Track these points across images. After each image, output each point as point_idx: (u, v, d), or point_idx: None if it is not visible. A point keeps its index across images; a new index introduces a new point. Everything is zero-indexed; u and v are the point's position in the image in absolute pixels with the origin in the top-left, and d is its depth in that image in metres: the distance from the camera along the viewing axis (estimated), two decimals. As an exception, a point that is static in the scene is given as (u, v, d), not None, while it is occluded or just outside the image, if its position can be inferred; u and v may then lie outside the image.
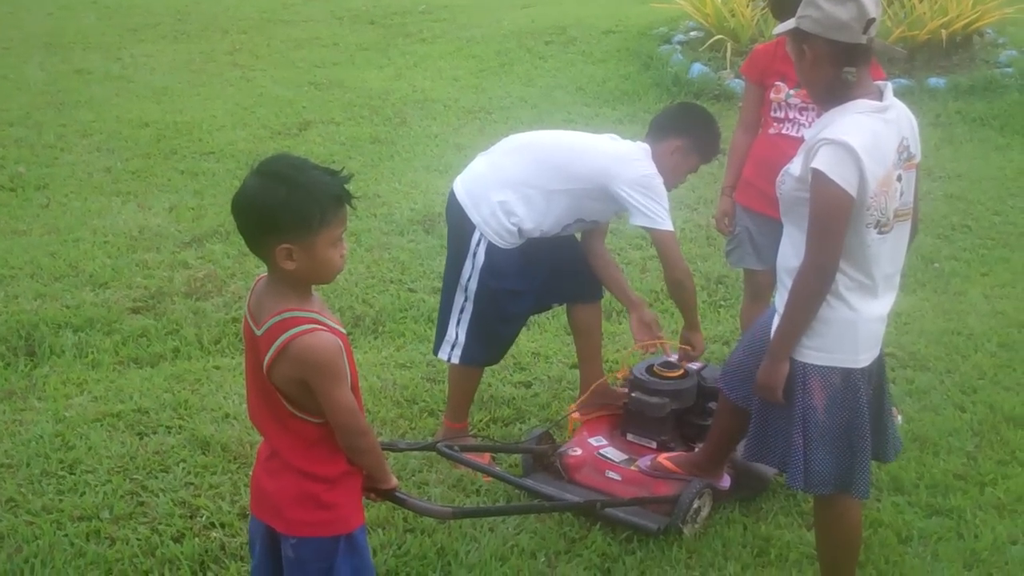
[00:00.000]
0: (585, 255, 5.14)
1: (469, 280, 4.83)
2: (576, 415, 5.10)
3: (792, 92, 5.08)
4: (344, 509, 3.18)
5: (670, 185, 4.90)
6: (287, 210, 2.91)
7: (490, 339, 4.97)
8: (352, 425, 3.08)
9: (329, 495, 3.14)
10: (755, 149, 5.27)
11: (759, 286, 5.40)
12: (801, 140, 4.78)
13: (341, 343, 3.04)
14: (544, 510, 4.54)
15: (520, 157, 4.87)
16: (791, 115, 5.10)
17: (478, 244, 4.78)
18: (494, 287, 4.81)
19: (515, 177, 4.78)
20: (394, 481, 3.34)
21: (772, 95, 5.15)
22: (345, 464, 3.16)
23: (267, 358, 2.99)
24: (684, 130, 4.92)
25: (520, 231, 4.77)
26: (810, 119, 4.97)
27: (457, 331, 4.91)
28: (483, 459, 4.87)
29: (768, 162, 4.78)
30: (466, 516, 4.42)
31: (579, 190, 4.77)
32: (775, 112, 5.17)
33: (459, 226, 4.87)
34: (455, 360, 4.94)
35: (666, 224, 4.75)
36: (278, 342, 2.96)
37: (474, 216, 4.79)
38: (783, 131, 5.12)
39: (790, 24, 3.63)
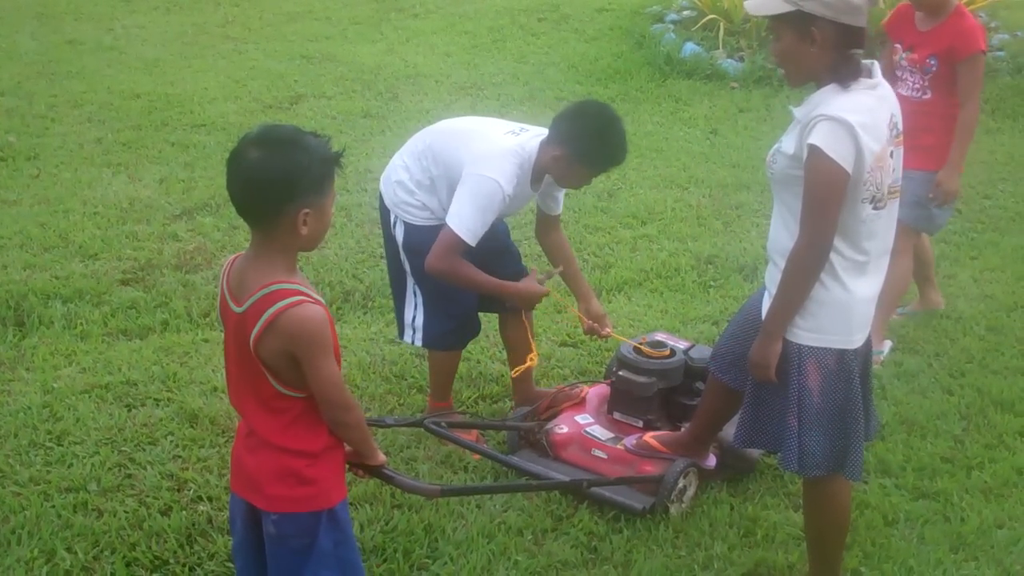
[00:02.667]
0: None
1: (403, 262, 4.86)
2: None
3: (904, 55, 5.66)
4: (326, 484, 3.18)
5: (563, 186, 4.85)
6: (306, 174, 2.96)
7: (445, 319, 4.91)
8: (338, 399, 3.08)
9: (311, 470, 3.13)
10: None
11: None
12: (906, 99, 5.21)
13: (326, 314, 3.04)
14: (531, 489, 4.55)
15: (417, 141, 4.86)
16: (901, 75, 5.62)
17: (395, 226, 4.83)
18: (422, 264, 4.74)
19: (410, 160, 4.81)
20: (381, 457, 3.34)
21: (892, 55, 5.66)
22: (327, 439, 3.16)
23: (254, 332, 2.98)
24: (565, 140, 4.57)
25: (425, 206, 4.76)
26: (916, 82, 5.60)
27: (415, 314, 4.92)
28: (470, 435, 4.89)
29: None
30: (454, 495, 4.42)
31: (452, 177, 4.63)
32: (897, 71, 5.65)
33: (382, 212, 4.93)
34: (418, 342, 4.96)
35: (457, 225, 4.51)
36: (266, 315, 2.96)
37: (387, 199, 4.86)
38: (898, 90, 5.44)
39: (780, 7, 3.54)
